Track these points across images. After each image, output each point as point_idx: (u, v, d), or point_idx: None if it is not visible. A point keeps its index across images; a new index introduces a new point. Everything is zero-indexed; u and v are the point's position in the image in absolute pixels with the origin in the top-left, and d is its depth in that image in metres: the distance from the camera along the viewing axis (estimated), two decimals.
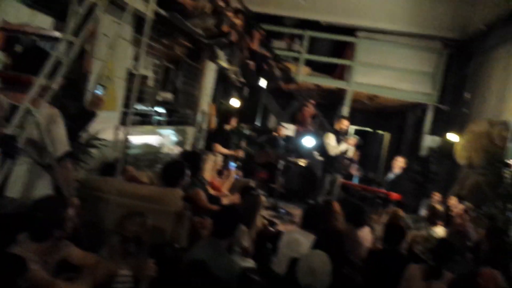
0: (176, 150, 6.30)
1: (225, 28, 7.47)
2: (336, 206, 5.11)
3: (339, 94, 11.43)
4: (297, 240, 4.22)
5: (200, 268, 2.96)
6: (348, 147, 7.30)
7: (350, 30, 10.75)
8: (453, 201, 7.02)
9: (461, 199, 7.12)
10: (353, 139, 7.31)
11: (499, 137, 7.77)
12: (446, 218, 6.21)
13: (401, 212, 5.75)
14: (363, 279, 4.37)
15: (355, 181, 9.03)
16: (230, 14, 7.96)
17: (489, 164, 7.33)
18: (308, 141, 8.91)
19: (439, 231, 5.65)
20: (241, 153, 7.09)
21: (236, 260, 3.75)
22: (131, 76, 5.14)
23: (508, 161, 6.16)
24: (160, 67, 6.58)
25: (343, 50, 11.33)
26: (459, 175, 8.73)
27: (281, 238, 4.40)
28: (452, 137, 9.45)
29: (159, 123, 6.09)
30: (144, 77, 6.15)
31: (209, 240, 3.44)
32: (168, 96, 6.91)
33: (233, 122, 7.07)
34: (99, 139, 4.50)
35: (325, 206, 5.02)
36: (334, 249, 3.64)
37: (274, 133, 8.88)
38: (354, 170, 9.56)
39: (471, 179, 8.12)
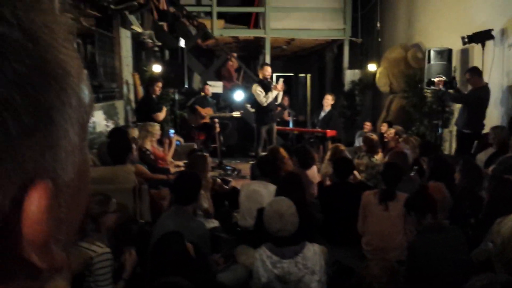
0: (110, 127, 6.02)
1: None
2: (283, 152, 5.22)
3: (257, 43, 11.42)
4: (256, 191, 4.29)
5: (176, 238, 2.89)
6: (277, 93, 7.33)
7: None
8: (384, 127, 7.43)
9: (390, 124, 7.55)
10: (280, 84, 7.32)
11: (414, 59, 8.25)
12: (382, 144, 6.57)
13: (342, 146, 5.99)
14: (322, 215, 4.58)
15: (290, 126, 9.24)
16: None
17: (409, 86, 7.79)
18: (238, 95, 8.91)
19: (379, 157, 5.98)
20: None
21: (203, 222, 3.75)
22: None
23: (430, 80, 6.54)
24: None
25: None
26: (384, 102, 9.23)
27: (240, 193, 4.45)
28: (371, 67, 9.89)
29: None
30: None
31: (174, 209, 3.40)
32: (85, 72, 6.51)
33: (158, 88, 6.86)
34: None
35: (273, 154, 5.10)
36: (295, 192, 3.76)
37: (202, 93, 8.75)
38: (287, 116, 9.77)
39: (395, 103, 8.63)
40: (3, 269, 0.30)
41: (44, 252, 0.32)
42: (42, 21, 0.32)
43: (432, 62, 6.96)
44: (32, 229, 0.31)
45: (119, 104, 6.64)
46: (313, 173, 5.47)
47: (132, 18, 7.42)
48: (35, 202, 0.31)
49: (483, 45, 6.38)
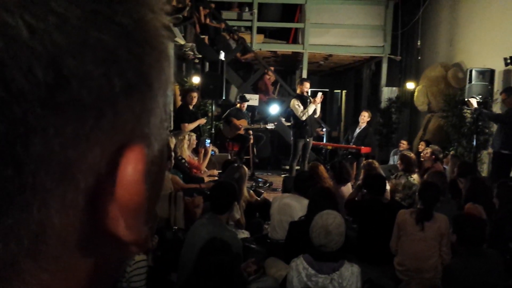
0: None
1: (174, 3, 7.29)
2: (322, 169, 5.21)
3: (295, 58, 11.48)
4: (289, 204, 4.29)
5: (221, 246, 2.83)
6: (315, 107, 7.32)
7: None
8: (422, 146, 7.31)
9: (428, 143, 7.42)
10: (318, 96, 7.30)
11: (454, 79, 8.10)
12: (418, 164, 6.45)
13: (376, 163, 5.93)
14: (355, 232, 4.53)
15: (324, 141, 9.20)
16: None
17: (449, 106, 7.65)
18: (274, 108, 8.97)
19: (415, 177, 5.86)
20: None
21: (235, 232, 3.78)
22: None
23: (469, 100, 6.42)
24: None
25: (294, 13, 11.32)
26: (421, 121, 9.08)
27: (272, 205, 4.45)
28: (409, 85, 9.78)
29: None
30: None
31: (208, 217, 3.44)
32: None
33: (193, 98, 7.02)
34: None
35: (312, 170, 5.11)
36: (328, 207, 3.73)
37: (238, 105, 8.85)
38: (320, 131, 9.74)
39: (433, 123, 8.48)
40: (84, 240, 0.27)
41: (134, 221, 0.29)
42: None
43: (473, 82, 6.83)
44: (127, 192, 0.28)
45: None
46: (348, 190, 5.43)
47: (176, 30, 7.62)
48: (132, 164, 0.28)
49: None
